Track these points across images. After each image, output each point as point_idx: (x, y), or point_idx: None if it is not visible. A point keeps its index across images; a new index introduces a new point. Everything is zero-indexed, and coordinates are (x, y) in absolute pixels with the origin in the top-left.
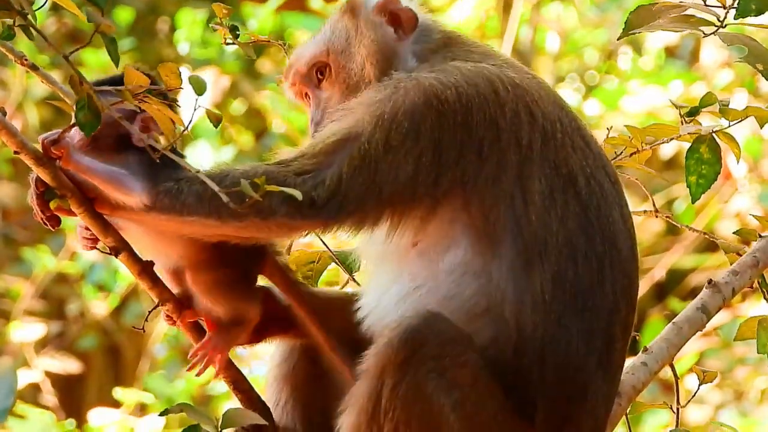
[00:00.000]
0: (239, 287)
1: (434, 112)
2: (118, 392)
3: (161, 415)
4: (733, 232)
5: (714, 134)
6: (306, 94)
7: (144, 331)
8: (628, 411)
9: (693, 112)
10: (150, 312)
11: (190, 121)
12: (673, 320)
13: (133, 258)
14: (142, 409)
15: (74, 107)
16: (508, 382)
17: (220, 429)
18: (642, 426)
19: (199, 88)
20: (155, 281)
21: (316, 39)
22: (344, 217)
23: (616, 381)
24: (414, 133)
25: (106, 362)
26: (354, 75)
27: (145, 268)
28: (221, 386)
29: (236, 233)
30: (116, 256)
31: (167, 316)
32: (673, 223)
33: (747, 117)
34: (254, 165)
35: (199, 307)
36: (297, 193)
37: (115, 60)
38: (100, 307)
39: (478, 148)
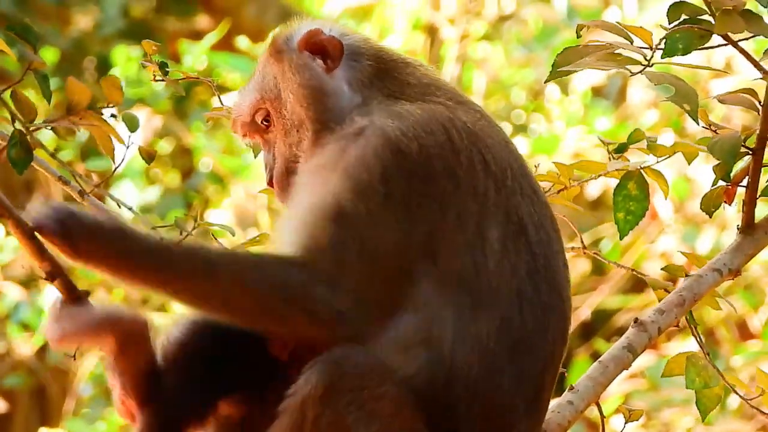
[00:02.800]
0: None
1: (403, 171)
2: None
3: None
4: (661, 269)
5: (642, 170)
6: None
7: (75, 359)
8: None
9: (621, 149)
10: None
11: (123, 159)
12: (599, 359)
13: (69, 286)
14: None
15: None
16: (433, 413)
17: None
18: None
19: (132, 124)
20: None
21: (251, 85)
22: (371, 313)
23: (540, 425)
24: (388, 195)
25: (32, 402)
26: (289, 120)
27: (80, 298)
28: None
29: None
30: (51, 281)
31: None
32: (601, 259)
33: (675, 153)
34: (275, 263)
35: None
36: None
37: (48, 97)
38: (25, 346)
39: (441, 199)
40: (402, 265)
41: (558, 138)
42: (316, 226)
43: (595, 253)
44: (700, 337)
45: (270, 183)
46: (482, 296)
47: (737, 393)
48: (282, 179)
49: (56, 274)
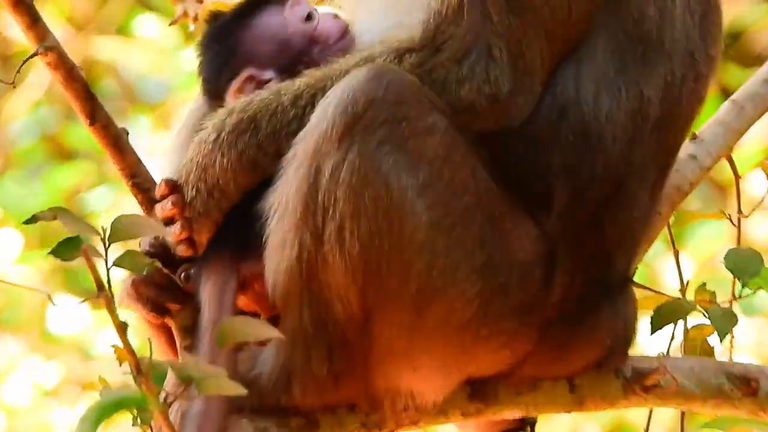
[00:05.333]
0: None
1: None
2: None
3: (26, 223)
4: None
5: None
6: None
7: (15, 86)
8: (671, 221)
9: None
10: (25, 61)
11: None
12: (732, 97)
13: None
14: None
15: None
16: (521, 158)
17: (107, 242)
18: (689, 240)
19: None
20: (34, 19)
21: None
22: (533, 82)
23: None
24: None
25: None
26: None
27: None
28: (103, 195)
29: None
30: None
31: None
32: None
33: None
34: (391, 49)
35: None
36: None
37: None
38: None
39: None
40: (573, 15)
41: None
42: None
43: None
44: None
45: None
46: (657, 51)
47: None
48: None
49: None
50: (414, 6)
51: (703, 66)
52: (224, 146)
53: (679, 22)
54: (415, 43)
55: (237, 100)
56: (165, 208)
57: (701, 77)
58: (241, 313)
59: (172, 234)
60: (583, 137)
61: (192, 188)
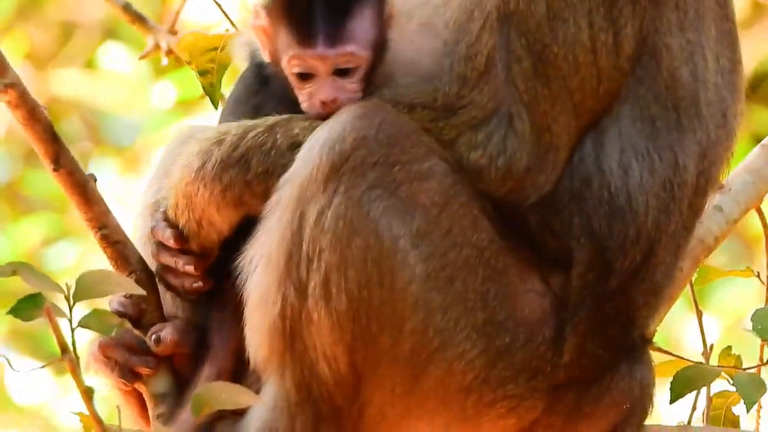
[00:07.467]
0: None
1: None
2: None
3: None
4: None
5: None
6: None
7: None
8: (693, 279)
9: None
10: None
11: None
12: (762, 142)
13: None
14: None
15: None
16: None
17: (72, 300)
18: (713, 299)
19: None
20: None
21: None
22: (557, 159)
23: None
24: None
25: None
26: None
27: None
28: (66, 250)
29: None
30: None
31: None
32: None
33: None
34: (403, 102)
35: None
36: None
37: None
38: None
39: None
40: (599, 83)
41: None
42: (468, 39)
43: None
44: None
45: None
46: (691, 116)
47: None
48: None
49: None
50: (435, 67)
51: (734, 123)
52: (207, 178)
53: (712, 83)
54: (430, 103)
55: (231, 126)
56: (165, 237)
57: (732, 135)
58: None
59: (179, 266)
60: (610, 207)
61: (181, 214)
